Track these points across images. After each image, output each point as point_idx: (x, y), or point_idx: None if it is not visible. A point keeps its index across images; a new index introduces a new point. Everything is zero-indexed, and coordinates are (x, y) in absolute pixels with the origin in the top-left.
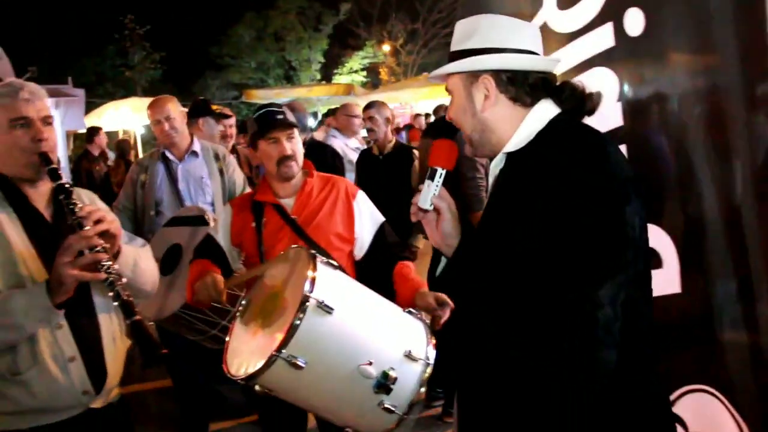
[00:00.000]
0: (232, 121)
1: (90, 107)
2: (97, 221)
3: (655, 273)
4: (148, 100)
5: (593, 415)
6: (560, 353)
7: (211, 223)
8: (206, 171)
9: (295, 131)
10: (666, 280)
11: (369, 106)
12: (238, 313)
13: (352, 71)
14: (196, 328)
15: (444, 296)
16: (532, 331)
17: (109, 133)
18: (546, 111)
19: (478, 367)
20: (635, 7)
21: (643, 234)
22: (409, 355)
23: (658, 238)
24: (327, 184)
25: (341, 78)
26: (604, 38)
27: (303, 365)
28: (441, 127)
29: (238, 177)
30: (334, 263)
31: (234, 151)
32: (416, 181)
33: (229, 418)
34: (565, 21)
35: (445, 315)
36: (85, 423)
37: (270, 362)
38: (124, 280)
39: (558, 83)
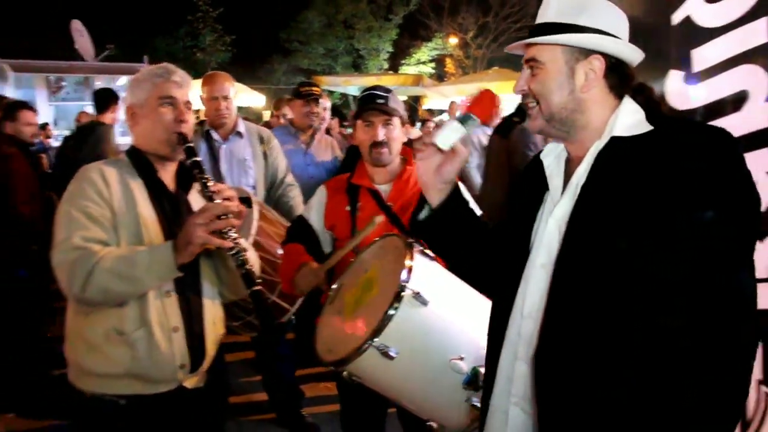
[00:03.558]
0: (327, 103)
1: None
2: (226, 198)
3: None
4: None
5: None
6: (713, 334)
7: (256, 206)
8: (250, 152)
9: (395, 119)
10: None
11: None
12: (328, 299)
13: (419, 62)
14: (231, 313)
15: None
16: (692, 316)
17: None
18: (636, 106)
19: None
20: None
21: None
22: None
23: None
24: None
25: (408, 68)
26: (756, 34)
27: (394, 355)
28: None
29: (281, 162)
30: (430, 253)
31: (327, 133)
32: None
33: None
34: (713, 15)
35: None
36: (176, 401)
37: (362, 350)
38: (248, 253)
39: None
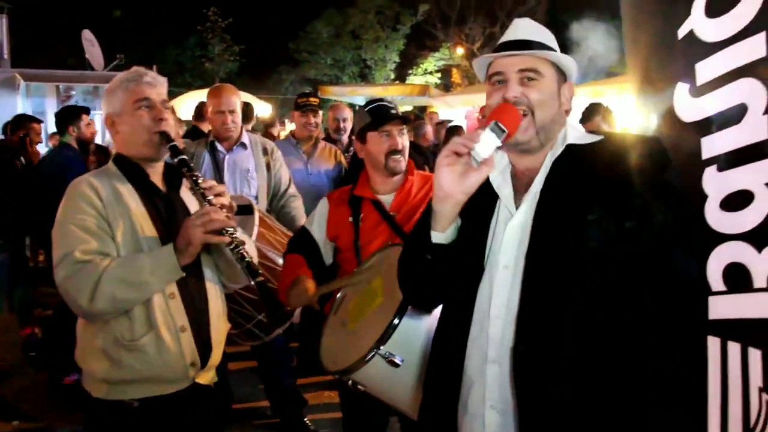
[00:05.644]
0: (347, 114)
1: (169, 96)
2: (218, 195)
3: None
4: None
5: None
6: (680, 318)
7: (257, 213)
8: (253, 164)
9: (405, 128)
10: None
11: None
12: (332, 309)
13: (426, 72)
14: (231, 320)
15: None
16: (654, 308)
17: (187, 122)
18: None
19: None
20: None
21: None
22: None
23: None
24: (427, 183)
25: (415, 78)
26: (755, 48)
27: (400, 363)
28: None
29: (284, 173)
30: None
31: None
32: None
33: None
34: (714, 29)
35: None
36: (190, 397)
37: (367, 358)
38: (247, 246)
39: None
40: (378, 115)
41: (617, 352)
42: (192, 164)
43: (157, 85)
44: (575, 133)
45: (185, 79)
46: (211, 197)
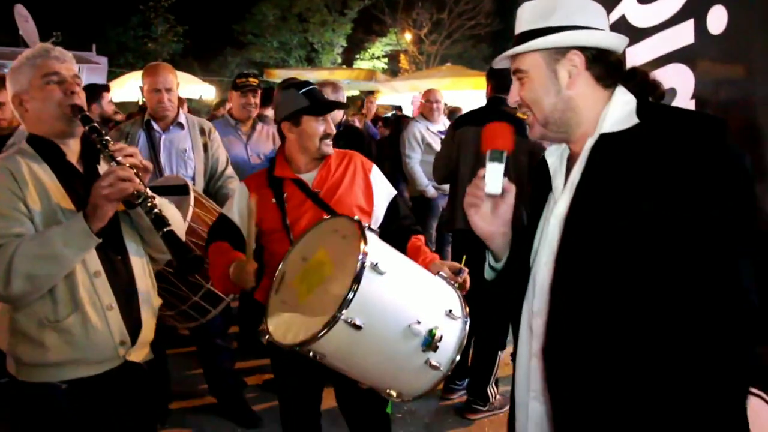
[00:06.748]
0: (342, 95)
1: (111, 76)
2: (128, 155)
3: None
4: None
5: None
6: (707, 331)
7: (192, 193)
8: (190, 144)
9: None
10: None
11: None
12: (271, 290)
13: (373, 57)
14: (167, 302)
15: (457, 264)
16: (677, 316)
17: (127, 104)
18: (628, 95)
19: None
20: (720, 5)
21: None
22: (449, 314)
23: None
24: (344, 158)
25: (362, 63)
26: (683, 35)
27: (361, 326)
28: (470, 117)
29: (221, 154)
30: (374, 228)
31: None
32: None
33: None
34: (645, 15)
35: (465, 280)
36: (122, 376)
37: (332, 323)
38: (156, 201)
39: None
40: (316, 100)
41: (651, 358)
42: (106, 136)
43: (66, 60)
44: (618, 114)
45: (128, 60)
46: (120, 158)
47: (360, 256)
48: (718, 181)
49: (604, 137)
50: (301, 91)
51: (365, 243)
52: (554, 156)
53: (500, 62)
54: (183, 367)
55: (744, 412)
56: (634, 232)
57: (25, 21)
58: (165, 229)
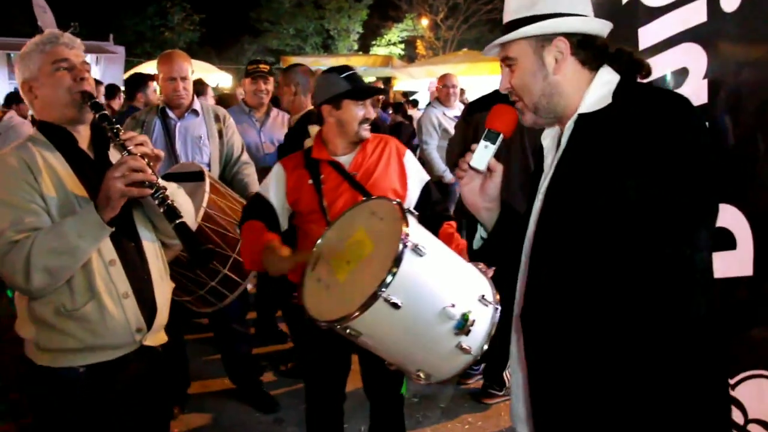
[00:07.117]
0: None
1: (128, 66)
2: (139, 144)
3: (727, 254)
4: None
5: (676, 365)
6: (660, 298)
7: (207, 179)
8: (205, 131)
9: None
10: (739, 262)
11: None
12: (309, 266)
13: (390, 43)
14: (185, 288)
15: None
16: (634, 282)
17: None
18: (611, 74)
19: (571, 333)
20: None
21: None
22: (482, 299)
23: (735, 219)
24: (380, 142)
25: (379, 49)
26: (696, 13)
27: (400, 305)
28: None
29: (236, 140)
30: (414, 211)
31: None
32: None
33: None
34: None
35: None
36: (138, 360)
37: (372, 301)
38: (168, 192)
39: (612, 50)
40: (359, 86)
41: (620, 327)
42: (119, 127)
43: (75, 47)
44: (596, 95)
45: (145, 49)
46: (131, 147)
47: (402, 236)
48: (676, 156)
49: (582, 117)
50: (342, 75)
51: (406, 225)
52: (549, 138)
53: (490, 51)
54: (201, 352)
55: (708, 369)
56: (601, 204)
57: (43, 11)
58: (177, 221)
